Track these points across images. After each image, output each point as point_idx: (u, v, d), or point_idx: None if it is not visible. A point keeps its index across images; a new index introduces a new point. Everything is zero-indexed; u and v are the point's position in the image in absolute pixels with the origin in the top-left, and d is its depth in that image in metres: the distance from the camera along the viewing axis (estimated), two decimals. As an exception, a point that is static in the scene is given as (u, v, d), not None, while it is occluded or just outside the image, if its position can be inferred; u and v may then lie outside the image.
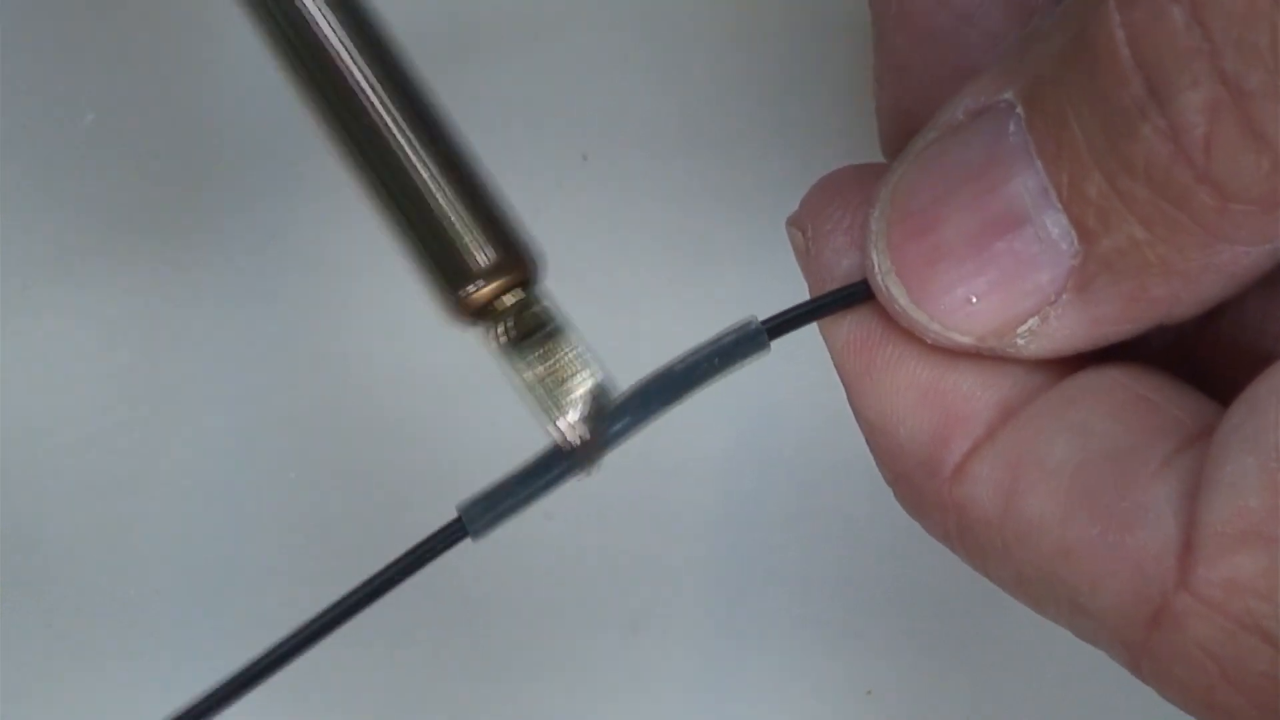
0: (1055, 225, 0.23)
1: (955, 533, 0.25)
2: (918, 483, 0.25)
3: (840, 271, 0.26)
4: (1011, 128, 0.23)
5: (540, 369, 0.24)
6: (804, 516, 0.40)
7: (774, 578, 0.40)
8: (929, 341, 0.25)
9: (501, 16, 0.40)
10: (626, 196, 0.40)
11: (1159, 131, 0.22)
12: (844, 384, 0.26)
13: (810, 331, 0.27)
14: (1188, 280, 0.23)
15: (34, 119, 0.40)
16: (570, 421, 0.24)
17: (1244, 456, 0.22)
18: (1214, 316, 0.25)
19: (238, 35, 0.40)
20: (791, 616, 0.40)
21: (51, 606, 0.40)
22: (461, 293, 0.24)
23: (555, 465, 0.25)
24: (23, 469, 0.41)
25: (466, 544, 0.40)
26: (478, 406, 0.40)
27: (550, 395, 0.24)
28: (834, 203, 0.26)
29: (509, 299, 0.24)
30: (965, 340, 0.25)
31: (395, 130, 0.24)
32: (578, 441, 0.24)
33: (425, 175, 0.24)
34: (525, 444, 0.25)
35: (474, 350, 0.41)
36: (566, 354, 0.24)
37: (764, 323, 0.25)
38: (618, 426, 0.25)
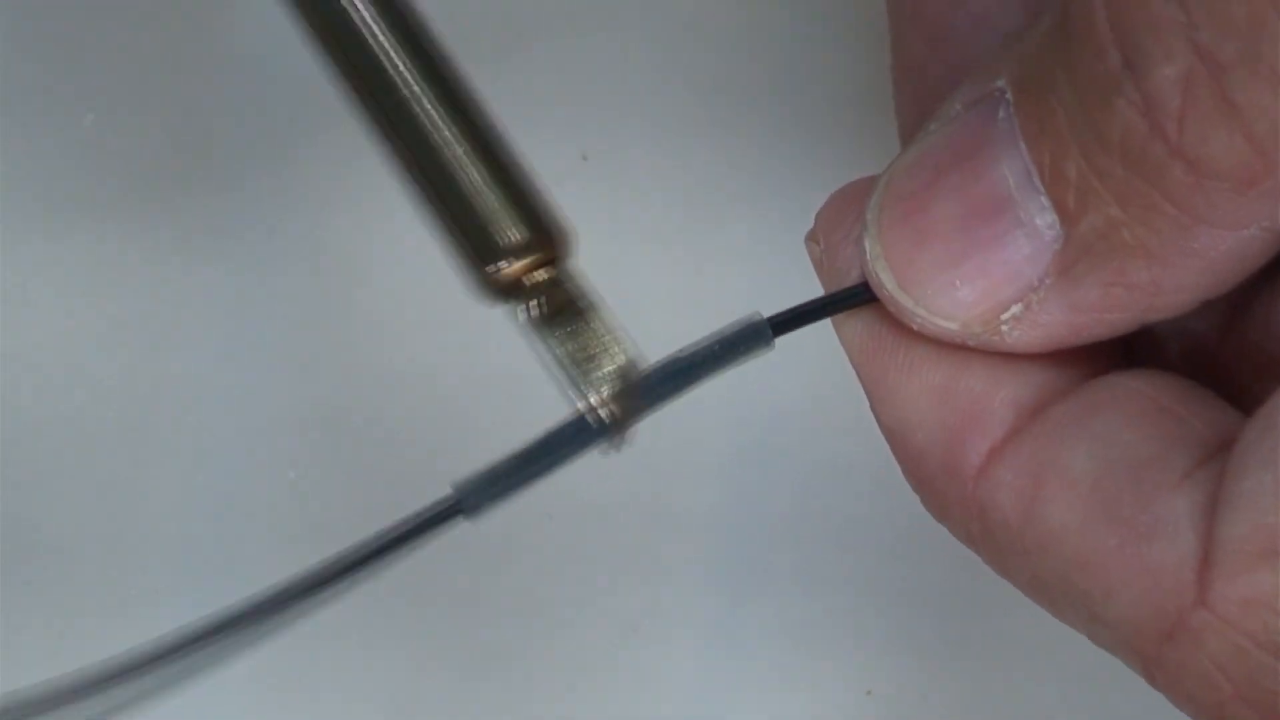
0: (1038, 209, 0.23)
1: (978, 535, 0.25)
2: (940, 486, 0.25)
3: (851, 280, 0.26)
4: (1001, 113, 0.23)
5: (571, 345, 0.24)
6: (804, 516, 0.40)
7: (774, 578, 0.40)
8: (915, 328, 0.25)
9: (501, 16, 0.40)
10: (626, 196, 0.40)
11: (1133, 105, 0.21)
12: (865, 392, 0.26)
13: (811, 332, 0.27)
14: (1166, 265, 0.23)
15: (34, 119, 0.40)
16: (599, 398, 0.24)
17: (1263, 473, 0.22)
18: (1236, 324, 0.25)
19: (238, 35, 0.40)
20: (791, 616, 0.40)
21: (51, 607, 0.40)
22: (492, 268, 0.24)
23: (579, 440, 0.25)
24: (21, 468, 0.41)
25: (466, 544, 0.41)
26: (481, 400, 0.40)
27: (580, 371, 0.24)
28: (848, 210, 0.26)
29: (540, 275, 0.24)
30: (950, 326, 0.24)
31: (426, 105, 0.24)
32: (606, 418, 0.24)
33: (457, 150, 0.24)
34: (529, 435, 0.25)
35: (473, 346, 0.41)
36: (596, 331, 0.24)
37: (769, 319, 0.25)
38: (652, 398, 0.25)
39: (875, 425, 0.26)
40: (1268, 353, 0.25)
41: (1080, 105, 0.22)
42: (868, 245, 0.25)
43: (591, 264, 0.41)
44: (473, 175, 0.24)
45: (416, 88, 0.24)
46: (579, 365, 0.24)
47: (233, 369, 0.40)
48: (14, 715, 0.24)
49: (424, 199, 0.24)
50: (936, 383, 0.25)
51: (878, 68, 0.29)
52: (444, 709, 0.41)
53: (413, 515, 0.25)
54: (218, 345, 0.40)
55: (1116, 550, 0.23)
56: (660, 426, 0.26)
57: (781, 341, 0.26)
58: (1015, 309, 0.24)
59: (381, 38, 0.24)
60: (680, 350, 0.25)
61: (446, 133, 0.24)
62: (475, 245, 0.24)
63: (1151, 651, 0.23)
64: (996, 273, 0.24)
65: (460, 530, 0.41)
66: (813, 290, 0.27)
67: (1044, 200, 0.23)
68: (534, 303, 0.24)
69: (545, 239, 0.24)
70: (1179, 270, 0.23)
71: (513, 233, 0.24)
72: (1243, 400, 0.25)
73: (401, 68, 0.24)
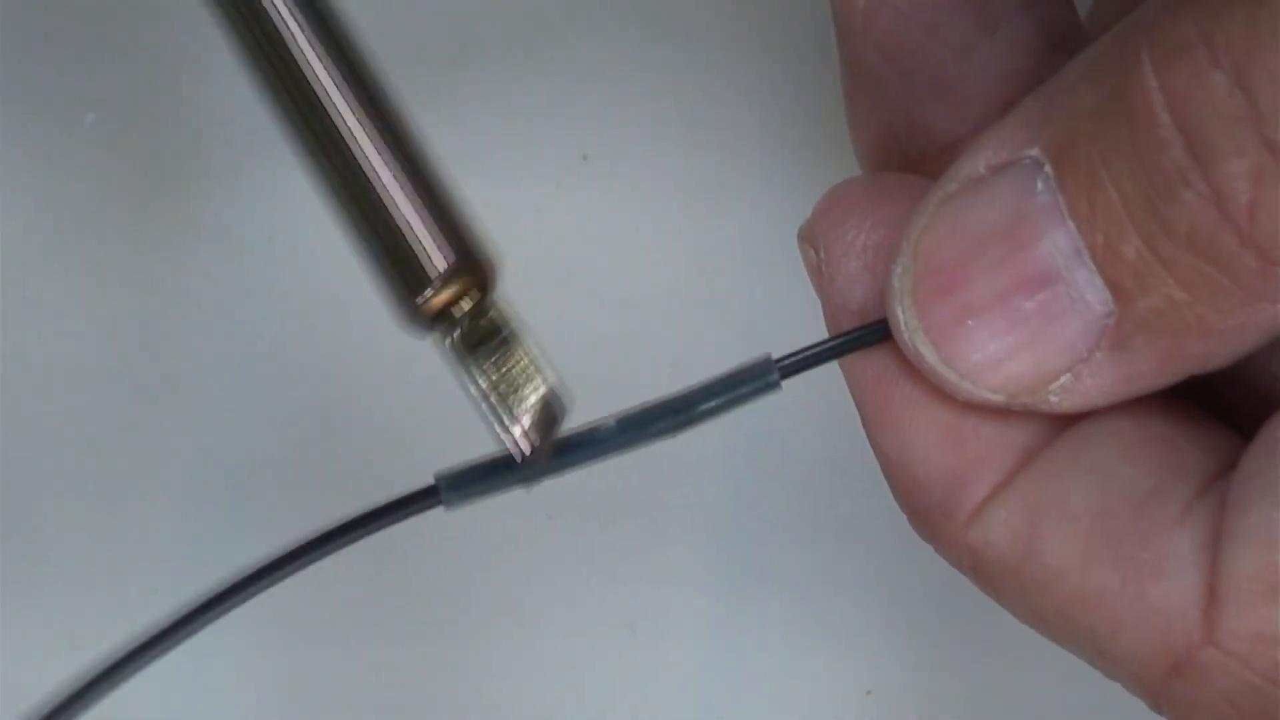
0: (1088, 284, 0.23)
1: (971, 570, 0.25)
2: (934, 521, 0.25)
3: (855, 299, 0.26)
4: (1039, 185, 0.23)
5: (494, 376, 0.24)
6: (804, 516, 0.40)
7: (774, 578, 0.40)
8: (960, 399, 0.25)
9: (501, 16, 0.40)
10: (626, 196, 0.40)
11: (1202, 197, 0.21)
12: (861, 418, 0.26)
13: (812, 333, 0.27)
14: (1224, 338, 0.23)
15: (34, 119, 0.40)
16: (521, 429, 0.24)
17: (1267, 509, 0.22)
18: None
19: (238, 35, 0.40)
20: (791, 616, 0.40)
21: (50, 606, 0.40)
22: (418, 298, 0.24)
23: (507, 470, 0.25)
24: (21, 467, 0.41)
25: (466, 543, 0.41)
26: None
27: (503, 402, 0.24)
28: (846, 220, 0.26)
29: (465, 304, 0.24)
30: (996, 398, 0.24)
31: (351, 129, 0.23)
32: (527, 450, 0.24)
33: (381, 177, 0.23)
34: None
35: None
36: (520, 361, 0.24)
37: (778, 361, 0.25)
38: (610, 444, 0.25)
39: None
40: (1256, 375, 0.25)
41: (1140, 193, 0.22)
42: (902, 316, 0.24)
43: (591, 264, 0.41)
44: (396, 202, 0.23)
45: (342, 112, 0.23)
46: (502, 396, 0.24)
47: (232, 368, 0.40)
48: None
49: (349, 225, 0.24)
50: (943, 421, 0.25)
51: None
52: (444, 709, 0.41)
53: (393, 500, 0.25)
54: (217, 345, 0.40)
55: (1121, 589, 0.23)
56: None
57: (781, 341, 0.26)
58: (1064, 379, 0.24)
59: (309, 58, 0.23)
60: (685, 389, 0.25)
61: (371, 158, 0.23)
62: (401, 274, 0.23)
63: (1159, 686, 0.23)
64: (1045, 347, 0.24)
65: (460, 530, 0.41)
66: (812, 291, 0.27)
67: (1096, 279, 0.23)
68: (457, 332, 0.24)
69: (472, 266, 0.24)
70: (1234, 340, 0.23)
71: (439, 260, 0.23)
72: (1233, 416, 0.25)
73: (328, 91, 0.23)
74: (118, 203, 0.40)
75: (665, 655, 0.40)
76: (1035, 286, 0.24)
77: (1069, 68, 0.24)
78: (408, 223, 0.23)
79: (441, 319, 0.24)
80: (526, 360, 0.24)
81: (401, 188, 0.24)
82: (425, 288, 0.24)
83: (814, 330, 0.27)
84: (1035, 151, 0.23)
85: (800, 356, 0.25)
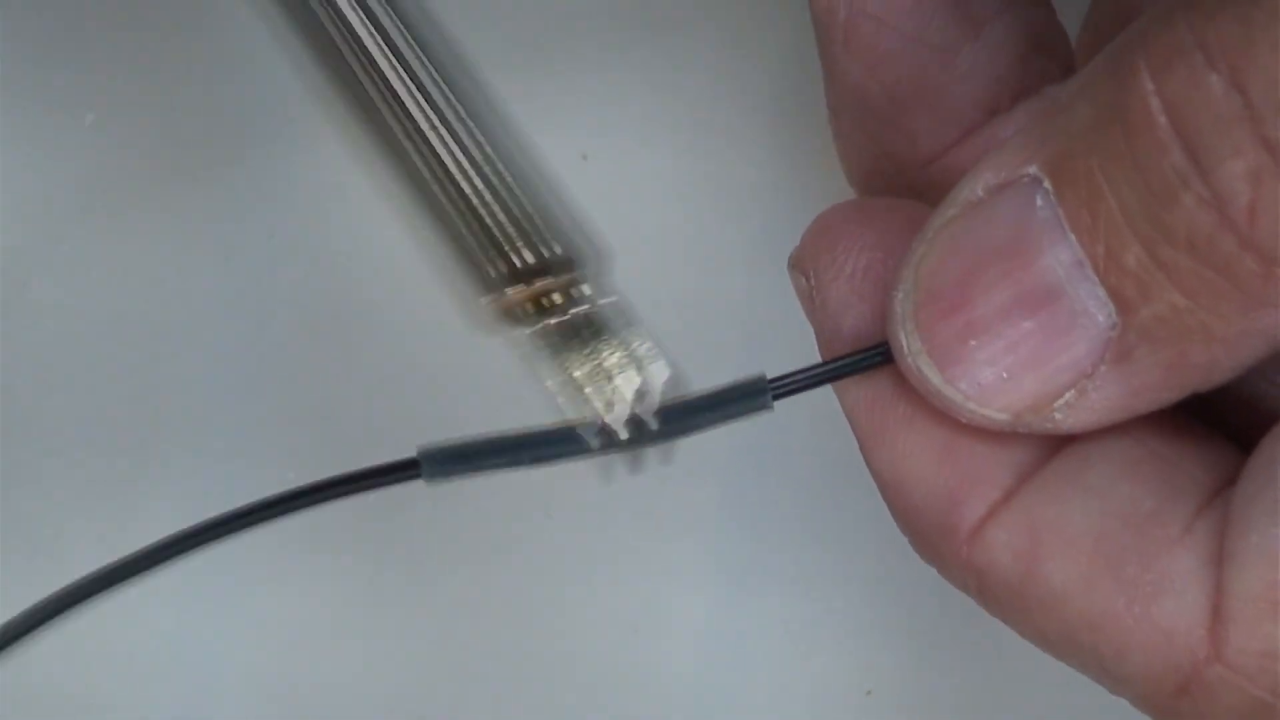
0: (1090, 297, 0.23)
1: (974, 591, 0.25)
2: (934, 542, 0.25)
3: (848, 325, 0.26)
4: (1039, 201, 0.23)
5: (588, 366, 0.24)
6: (804, 516, 0.40)
7: (774, 578, 0.40)
8: (964, 421, 0.24)
9: (501, 17, 0.40)
10: (626, 196, 0.40)
11: (1201, 200, 0.21)
12: (857, 440, 0.26)
13: (812, 333, 0.27)
14: (1227, 345, 0.23)
15: (34, 119, 0.40)
16: (615, 416, 0.24)
17: (1269, 526, 0.22)
18: None
19: (238, 35, 0.40)
20: (791, 616, 0.40)
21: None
22: (496, 294, 0.24)
23: (562, 448, 0.25)
24: (21, 467, 0.41)
25: (466, 543, 0.41)
26: (481, 400, 0.40)
27: (597, 392, 0.24)
28: (836, 246, 0.26)
29: (558, 297, 0.24)
30: (1002, 418, 0.24)
31: (441, 132, 0.24)
32: (622, 435, 0.24)
33: (472, 174, 0.24)
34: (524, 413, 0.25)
35: (474, 345, 0.41)
36: (614, 351, 0.24)
37: (772, 382, 0.25)
38: (592, 451, 0.25)
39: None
40: (1254, 388, 0.25)
41: (1139, 199, 0.22)
42: (905, 340, 0.24)
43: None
44: (482, 197, 0.24)
45: (420, 104, 0.23)
46: (595, 383, 0.24)
47: (232, 368, 0.40)
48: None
49: (430, 223, 0.24)
50: (938, 441, 0.25)
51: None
52: (444, 709, 0.41)
53: (370, 468, 0.25)
54: (217, 344, 0.40)
55: (1125, 610, 0.23)
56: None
57: (780, 344, 0.26)
58: (1069, 396, 0.24)
59: (390, 51, 0.24)
60: (669, 400, 0.25)
61: (461, 154, 0.24)
62: (481, 271, 0.24)
63: (1166, 705, 0.23)
64: (1050, 363, 0.24)
65: (460, 530, 0.41)
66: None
67: (1099, 291, 0.23)
68: (543, 325, 0.24)
69: (555, 261, 0.24)
70: (1238, 349, 0.23)
71: (519, 256, 0.24)
72: (1230, 429, 0.25)
73: (409, 81, 0.24)
74: (117, 202, 0.40)
75: (665, 655, 0.40)
76: (1038, 303, 0.23)
77: (1063, 89, 0.24)
78: (488, 218, 0.24)
79: (524, 314, 0.24)
80: (620, 351, 0.24)
81: (487, 181, 0.24)
82: (506, 285, 0.24)
83: (814, 335, 0.27)
84: (1033, 169, 0.23)
85: (795, 379, 0.25)
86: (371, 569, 0.40)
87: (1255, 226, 0.21)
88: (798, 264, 0.26)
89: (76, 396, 0.40)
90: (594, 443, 0.24)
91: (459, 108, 0.24)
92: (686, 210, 0.40)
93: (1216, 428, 0.25)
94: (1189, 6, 0.21)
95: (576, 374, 0.24)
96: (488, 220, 0.24)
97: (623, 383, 0.24)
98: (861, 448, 0.26)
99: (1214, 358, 0.23)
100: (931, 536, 0.25)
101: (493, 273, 0.24)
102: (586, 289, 0.24)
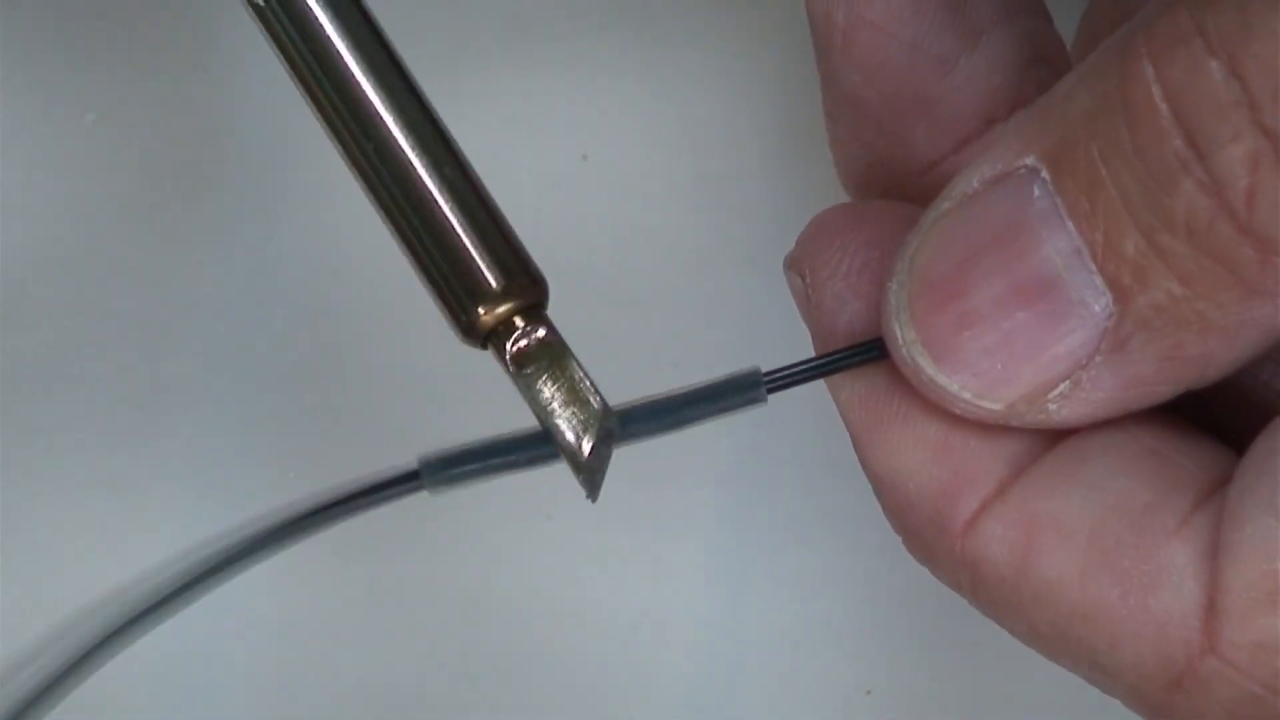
0: (1087, 286, 0.23)
1: (968, 587, 0.25)
2: (927, 538, 0.25)
3: (843, 322, 0.25)
4: (1037, 192, 0.23)
5: (548, 390, 0.25)
6: (804, 516, 0.40)
7: (774, 578, 0.40)
8: (957, 412, 0.24)
9: (501, 16, 0.40)
10: (626, 196, 0.40)
11: (1201, 185, 0.21)
12: (851, 437, 0.26)
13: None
14: (1223, 337, 0.23)
15: (34, 119, 0.40)
16: (579, 440, 0.25)
17: (1263, 517, 0.22)
18: None
19: (238, 35, 0.40)
20: (791, 616, 0.40)
21: (51, 607, 0.40)
22: (475, 313, 0.24)
23: (490, 456, 0.25)
24: (21, 467, 0.41)
25: (466, 543, 0.41)
26: (480, 400, 0.40)
27: (562, 413, 0.25)
28: (831, 246, 0.26)
29: (519, 321, 0.25)
30: (996, 408, 0.24)
31: (408, 150, 0.24)
32: (584, 457, 0.25)
33: (439, 195, 0.24)
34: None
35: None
36: (571, 378, 0.25)
37: (766, 375, 0.25)
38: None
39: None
40: (1245, 391, 0.25)
41: (1139, 186, 0.22)
42: (899, 331, 0.24)
43: (591, 264, 0.41)
44: (456, 221, 0.24)
45: (400, 134, 0.24)
46: (554, 409, 0.25)
47: (232, 369, 0.40)
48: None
49: (408, 243, 0.25)
50: (932, 436, 0.25)
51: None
52: (444, 709, 0.41)
53: (375, 477, 0.25)
54: (216, 344, 0.40)
55: (1120, 601, 0.23)
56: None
57: (780, 342, 0.26)
58: (1063, 387, 0.24)
59: (361, 80, 0.24)
60: (665, 393, 0.25)
61: (427, 177, 0.24)
62: (459, 290, 0.24)
63: (1160, 700, 0.23)
64: (1046, 353, 0.24)
65: (461, 530, 0.41)
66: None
67: (1096, 279, 0.23)
68: (512, 347, 0.25)
69: (528, 285, 0.25)
70: (1233, 340, 0.23)
71: (496, 278, 0.24)
72: (1222, 430, 0.25)
73: (383, 110, 0.24)
74: (117, 202, 0.40)
75: (665, 655, 0.40)
76: (1034, 292, 0.23)
77: (1060, 83, 0.24)
78: (465, 239, 0.24)
79: (497, 334, 0.25)
80: (578, 377, 0.25)
81: (458, 204, 0.24)
82: (483, 304, 0.24)
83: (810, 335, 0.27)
84: (1031, 160, 0.23)
85: (789, 373, 0.25)
86: (372, 569, 0.40)
87: (1253, 212, 0.21)
88: (793, 265, 0.26)
89: (76, 396, 0.40)
90: (582, 470, 0.24)
91: (423, 133, 0.24)
92: (686, 210, 0.40)
93: (1212, 432, 0.25)
94: None
95: (543, 397, 0.25)
96: (448, 245, 0.24)
97: (583, 406, 0.25)
98: (855, 445, 0.26)
99: (1209, 350, 0.23)
100: (925, 532, 0.25)
101: (456, 296, 0.25)
102: (542, 315, 0.25)
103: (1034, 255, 0.23)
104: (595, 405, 0.24)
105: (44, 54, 0.40)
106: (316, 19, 0.24)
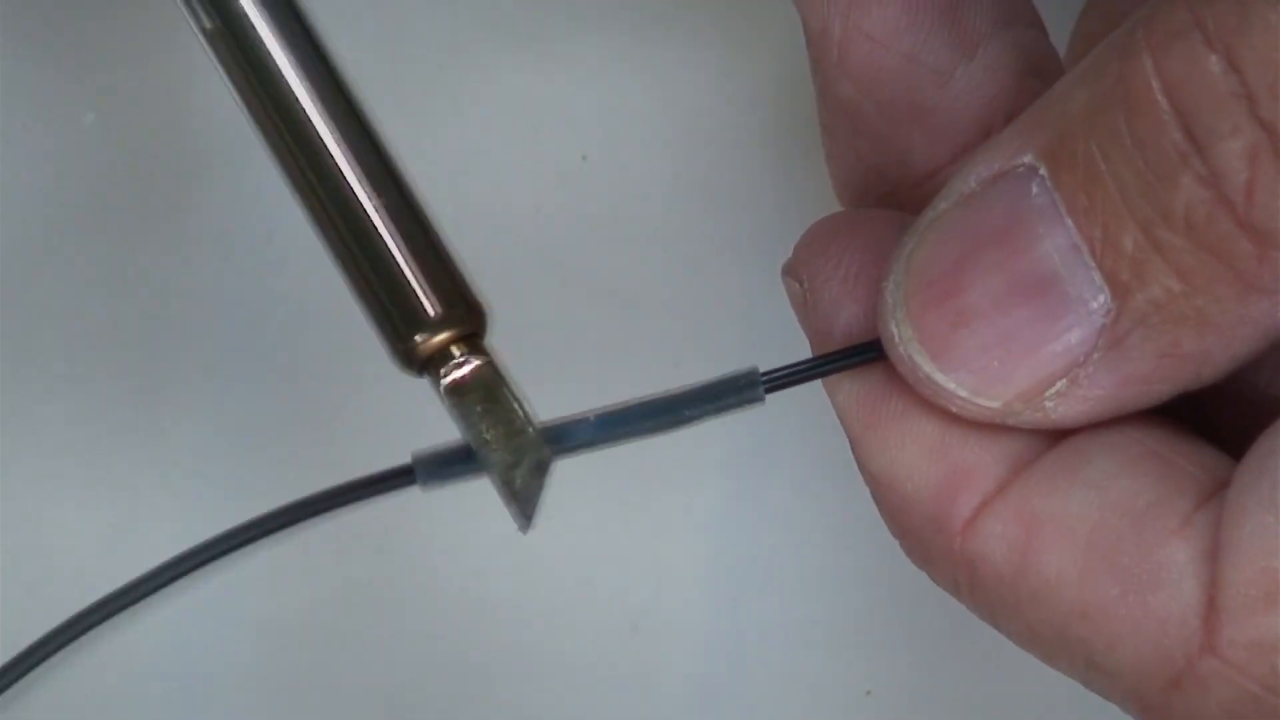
0: (1085, 283, 0.23)
1: (965, 587, 0.25)
2: (926, 537, 0.25)
3: (840, 324, 0.26)
4: (1035, 189, 0.23)
5: (487, 420, 0.25)
6: (804, 516, 0.40)
7: (774, 578, 0.40)
8: (954, 410, 0.24)
9: (501, 16, 0.40)
10: (626, 196, 0.40)
11: (1200, 178, 0.21)
12: (848, 436, 0.26)
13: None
14: (1221, 334, 0.23)
15: (34, 119, 0.40)
16: (512, 471, 0.25)
17: (1262, 515, 0.22)
18: None
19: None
20: (791, 616, 0.40)
21: (52, 609, 0.40)
22: (411, 341, 0.24)
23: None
24: (21, 467, 0.41)
25: (466, 544, 0.41)
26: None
27: (499, 444, 0.25)
28: (829, 250, 0.26)
29: (456, 350, 0.24)
30: (992, 406, 0.24)
31: (348, 174, 0.24)
32: (516, 486, 0.25)
33: (378, 220, 0.24)
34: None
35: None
36: (509, 406, 0.25)
37: (764, 375, 0.25)
38: (589, 438, 0.25)
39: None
40: (1245, 395, 0.25)
41: (1138, 180, 0.22)
42: (896, 329, 0.24)
43: (591, 264, 0.41)
44: (394, 247, 0.24)
45: (339, 159, 0.24)
46: (496, 438, 0.25)
47: (231, 368, 0.40)
48: None
49: (345, 269, 0.25)
50: (930, 434, 0.25)
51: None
52: (444, 709, 0.41)
53: (368, 477, 0.25)
54: (216, 344, 0.40)
55: (1119, 599, 0.23)
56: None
57: (780, 342, 0.26)
58: (1060, 384, 0.24)
59: (305, 103, 0.24)
60: (668, 390, 0.25)
61: (366, 203, 0.24)
62: (397, 317, 0.24)
63: (1157, 700, 0.23)
64: (1043, 350, 0.24)
65: (461, 530, 0.41)
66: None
67: (1095, 275, 0.23)
68: (452, 376, 0.24)
69: (467, 312, 0.25)
70: (1231, 338, 0.23)
71: (433, 305, 0.24)
72: (1222, 439, 0.25)
73: (321, 132, 0.24)
74: (117, 203, 0.40)
75: (665, 655, 0.40)
76: (1032, 289, 0.23)
77: (1057, 84, 0.24)
78: (403, 266, 0.24)
79: (434, 362, 0.25)
80: (515, 406, 0.25)
81: (397, 230, 0.24)
82: (420, 331, 0.24)
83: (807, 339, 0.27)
84: (1028, 157, 0.23)
85: (787, 373, 0.25)
86: (371, 569, 0.40)
87: (1252, 205, 0.21)
88: (791, 271, 0.26)
89: (77, 396, 0.40)
90: (515, 501, 0.25)
91: (363, 158, 0.24)
92: (686, 210, 0.40)
93: (1211, 438, 0.25)
94: None
95: (477, 427, 0.25)
96: (386, 271, 0.24)
97: (519, 437, 0.25)
98: (853, 445, 0.26)
99: (1206, 348, 0.23)
100: (924, 532, 0.25)
101: (393, 323, 0.24)
102: (478, 344, 0.25)
103: (1032, 252, 0.23)
104: (529, 436, 0.24)
105: (44, 54, 0.40)
106: (264, 45, 0.24)
